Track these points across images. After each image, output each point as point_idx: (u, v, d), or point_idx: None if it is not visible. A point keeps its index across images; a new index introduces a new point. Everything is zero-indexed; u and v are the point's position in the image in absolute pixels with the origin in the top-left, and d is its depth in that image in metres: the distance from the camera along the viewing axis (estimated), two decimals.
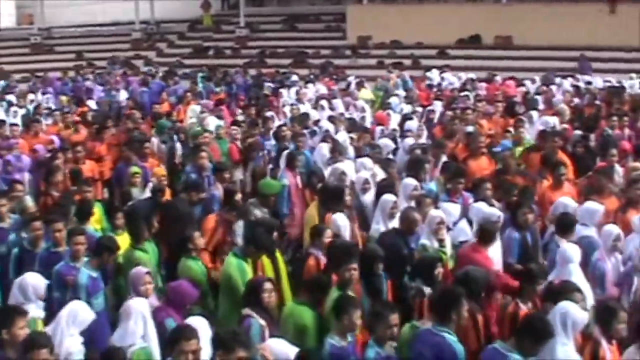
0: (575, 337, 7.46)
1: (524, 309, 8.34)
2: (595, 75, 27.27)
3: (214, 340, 6.82)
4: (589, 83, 25.32)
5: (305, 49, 38.72)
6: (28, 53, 41.12)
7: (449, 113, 18.28)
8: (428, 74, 29.24)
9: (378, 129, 17.34)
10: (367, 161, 13.42)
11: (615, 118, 17.17)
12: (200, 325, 7.34)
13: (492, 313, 8.62)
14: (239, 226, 11.12)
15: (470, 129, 16.44)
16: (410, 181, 11.88)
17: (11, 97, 25.46)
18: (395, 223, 10.63)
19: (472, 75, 28.25)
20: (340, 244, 9.45)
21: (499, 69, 30.38)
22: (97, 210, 11.77)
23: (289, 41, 39.95)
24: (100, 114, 21.60)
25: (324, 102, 21.23)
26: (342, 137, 15.89)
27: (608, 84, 25.14)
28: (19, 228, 10.83)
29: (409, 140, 15.61)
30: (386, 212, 10.90)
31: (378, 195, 11.57)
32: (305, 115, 18.69)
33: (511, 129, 16.17)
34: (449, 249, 10.22)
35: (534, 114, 18.38)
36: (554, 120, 17.62)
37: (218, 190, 12.68)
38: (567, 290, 8.00)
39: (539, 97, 21.78)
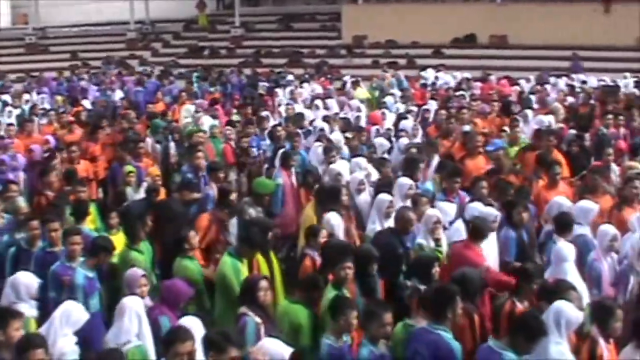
0: (570, 337, 7.48)
1: (520, 307, 8.36)
2: (590, 74, 27.28)
3: (205, 341, 6.81)
4: (584, 82, 25.37)
5: (300, 49, 38.70)
6: (23, 53, 41.05)
7: (442, 112, 18.26)
8: (423, 73, 29.25)
9: (373, 128, 17.35)
10: (361, 161, 13.42)
11: (610, 117, 17.21)
12: (194, 325, 7.35)
13: (484, 309, 8.66)
14: (232, 225, 11.13)
15: (467, 128, 16.47)
16: (406, 180, 11.86)
17: (6, 97, 25.46)
18: (391, 223, 10.62)
19: (467, 74, 28.26)
20: (335, 243, 9.47)
21: (494, 68, 30.44)
22: (92, 210, 11.75)
23: (284, 41, 39.92)
24: (95, 113, 21.58)
25: (318, 102, 21.24)
26: (337, 136, 15.90)
27: (602, 83, 25.20)
28: (12, 228, 10.83)
29: (404, 140, 15.62)
30: (382, 211, 10.91)
31: (377, 194, 11.58)
32: (301, 115, 18.68)
33: (507, 128, 16.17)
34: (445, 249, 10.22)
35: (529, 113, 18.41)
36: (548, 119, 17.65)
37: (212, 190, 12.69)
38: (561, 289, 8.01)
39: (533, 97, 21.82)
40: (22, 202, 11.90)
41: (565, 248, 9.34)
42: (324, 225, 10.37)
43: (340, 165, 13.17)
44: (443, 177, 12.74)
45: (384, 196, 11.14)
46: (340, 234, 10.47)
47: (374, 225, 10.87)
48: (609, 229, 9.87)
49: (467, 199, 11.72)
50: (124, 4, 42.11)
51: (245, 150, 15.72)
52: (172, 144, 16.32)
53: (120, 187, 13.44)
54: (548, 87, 24.24)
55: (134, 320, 7.64)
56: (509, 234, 10.50)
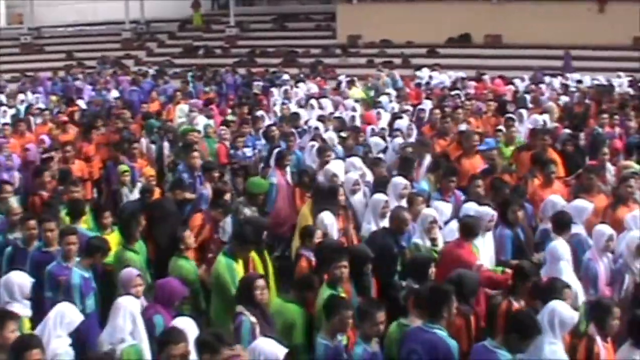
0: (564, 337, 7.49)
1: (517, 306, 8.37)
2: (585, 74, 27.31)
3: (198, 343, 6.80)
4: (579, 82, 25.40)
5: (295, 48, 38.69)
6: (18, 53, 40.96)
7: (437, 112, 18.26)
8: (418, 73, 29.27)
9: (369, 128, 17.35)
10: (356, 161, 13.41)
11: (605, 116, 17.24)
12: (188, 326, 7.35)
13: (479, 308, 8.67)
14: (227, 224, 11.12)
15: (463, 127, 16.47)
16: (400, 180, 11.84)
17: (1, 97, 25.42)
18: (386, 222, 10.61)
19: (462, 74, 28.28)
20: (329, 244, 9.46)
21: (489, 67, 30.44)
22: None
23: (279, 40, 39.89)
24: (90, 113, 21.55)
25: (313, 102, 21.23)
26: (330, 136, 15.93)
27: (596, 82, 25.25)
28: (4, 228, 10.81)
29: (398, 140, 15.62)
30: (377, 211, 10.90)
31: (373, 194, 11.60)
32: (296, 115, 18.70)
33: (502, 128, 16.18)
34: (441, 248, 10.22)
35: (524, 112, 18.44)
36: (543, 119, 17.68)
37: (207, 190, 12.69)
38: (555, 288, 8.03)
39: (528, 96, 21.85)
40: (14, 203, 11.88)
41: (560, 247, 9.35)
42: (318, 225, 10.37)
43: (336, 165, 13.16)
44: (438, 177, 12.75)
45: (379, 196, 11.14)
46: (334, 234, 10.47)
47: (370, 225, 10.87)
48: (605, 229, 9.87)
49: (463, 198, 11.74)
50: (119, 4, 42.03)
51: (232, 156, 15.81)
52: (166, 144, 16.31)
53: (115, 186, 13.41)
54: (543, 86, 24.30)
55: (127, 319, 7.63)
56: (504, 233, 10.50)
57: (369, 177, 12.98)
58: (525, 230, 10.79)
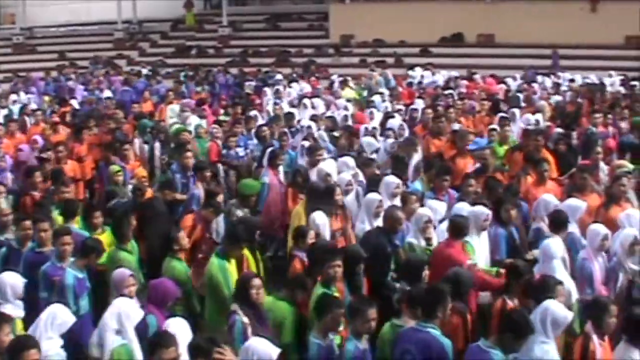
0: (558, 336, 7.50)
1: (511, 305, 8.37)
2: (576, 73, 27.35)
3: (191, 347, 6.79)
4: (571, 80, 25.44)
5: (288, 48, 38.68)
6: (10, 53, 40.87)
7: (429, 111, 18.27)
8: (410, 72, 29.28)
9: (362, 127, 17.34)
10: (349, 160, 13.39)
11: (598, 115, 17.25)
12: (181, 327, 7.34)
13: (471, 306, 8.69)
14: (218, 224, 11.11)
15: (456, 126, 16.47)
16: (392, 179, 11.84)
17: None
18: (380, 222, 10.60)
19: (454, 73, 28.30)
20: (320, 245, 9.46)
21: (482, 67, 30.47)
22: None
23: (272, 40, 39.89)
24: (82, 114, 21.48)
25: (306, 101, 21.23)
26: (321, 135, 15.92)
27: (587, 81, 25.29)
28: None
29: (391, 139, 15.62)
30: (371, 211, 10.89)
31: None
32: (291, 115, 18.71)
33: (497, 127, 16.18)
34: None
35: (517, 112, 18.45)
36: (536, 118, 17.70)
37: (198, 190, 12.67)
38: (548, 285, 8.04)
39: (520, 95, 21.87)
40: (3, 204, 11.86)
41: (553, 245, 9.35)
42: (310, 225, 10.36)
43: (328, 165, 13.15)
44: (432, 176, 12.75)
45: (373, 195, 11.14)
46: (327, 234, 10.45)
47: (364, 225, 10.86)
48: (601, 229, 9.85)
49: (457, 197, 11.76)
50: (111, 4, 41.96)
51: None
52: (157, 144, 16.28)
53: (108, 186, 13.39)
54: (536, 85, 24.33)
55: (113, 319, 7.57)
56: (498, 232, 10.50)
57: (362, 176, 12.97)
58: (519, 229, 10.80)
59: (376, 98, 22.12)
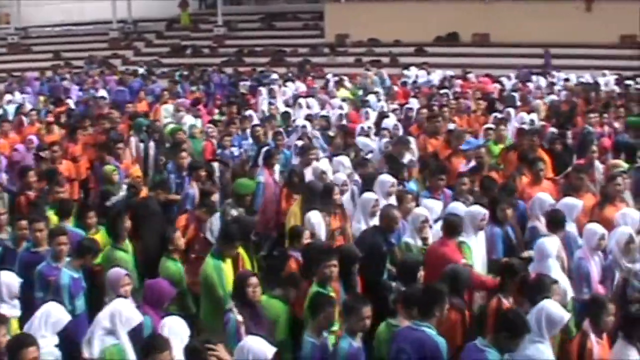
0: (553, 336, 7.50)
1: (507, 304, 8.37)
2: (571, 72, 27.39)
3: (187, 351, 6.77)
4: (566, 80, 25.46)
5: (283, 48, 38.64)
6: (5, 53, 40.82)
7: (423, 111, 18.26)
8: (406, 71, 29.28)
9: (358, 127, 17.34)
10: (345, 160, 13.39)
11: (594, 115, 17.25)
12: (178, 325, 7.33)
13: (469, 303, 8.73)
14: (212, 223, 11.11)
15: (452, 126, 16.48)
16: (387, 178, 11.83)
17: None
18: (376, 221, 10.58)
19: (450, 72, 28.32)
20: (315, 245, 9.46)
21: (477, 66, 30.51)
22: None
23: (267, 39, 39.85)
24: (76, 114, 21.44)
25: (302, 101, 21.23)
26: (314, 134, 15.93)
27: (581, 80, 25.31)
28: None
29: (385, 139, 15.63)
30: (367, 210, 10.88)
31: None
32: (287, 114, 18.70)
33: (492, 126, 16.17)
34: None
35: (512, 111, 18.46)
36: (531, 117, 17.70)
37: (193, 189, 12.66)
38: (544, 284, 8.04)
39: (515, 94, 21.88)
40: None
41: (548, 244, 9.35)
42: (305, 225, 10.36)
43: (323, 164, 13.15)
44: (427, 175, 12.75)
45: (369, 195, 11.14)
46: (322, 233, 10.43)
47: (360, 224, 10.85)
48: (597, 228, 9.84)
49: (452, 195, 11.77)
50: (106, 4, 41.93)
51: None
52: (152, 144, 16.26)
53: (104, 185, 13.37)
54: (531, 84, 24.35)
55: (105, 316, 7.56)
56: (494, 231, 10.50)
57: (357, 176, 12.96)
58: (515, 228, 10.80)
59: (371, 97, 22.12)
